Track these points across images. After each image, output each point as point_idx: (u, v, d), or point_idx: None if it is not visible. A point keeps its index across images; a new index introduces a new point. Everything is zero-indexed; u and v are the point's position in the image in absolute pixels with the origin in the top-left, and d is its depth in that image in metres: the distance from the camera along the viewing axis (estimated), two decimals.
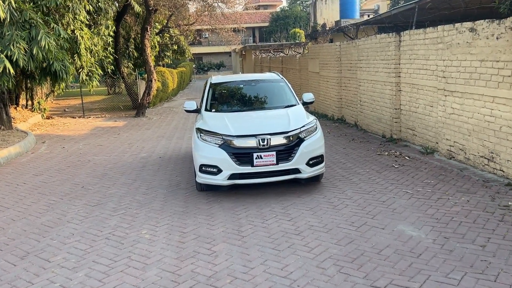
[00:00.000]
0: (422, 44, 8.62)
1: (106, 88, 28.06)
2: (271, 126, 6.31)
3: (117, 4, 16.98)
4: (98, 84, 15.29)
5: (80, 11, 11.95)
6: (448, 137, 7.87)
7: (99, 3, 13.55)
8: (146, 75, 18.00)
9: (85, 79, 12.82)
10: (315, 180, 6.71)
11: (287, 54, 24.71)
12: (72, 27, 12.16)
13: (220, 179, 6.12)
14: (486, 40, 6.67)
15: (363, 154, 8.77)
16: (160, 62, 30.55)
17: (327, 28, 22.82)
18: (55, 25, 10.92)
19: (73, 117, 17.61)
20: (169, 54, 31.26)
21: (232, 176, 6.09)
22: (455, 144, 7.68)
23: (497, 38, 6.42)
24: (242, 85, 7.90)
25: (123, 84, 21.26)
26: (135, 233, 5.20)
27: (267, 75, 8.32)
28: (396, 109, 9.80)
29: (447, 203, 5.59)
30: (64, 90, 14.34)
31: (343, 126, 12.47)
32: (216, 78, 8.28)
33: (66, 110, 20.68)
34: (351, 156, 8.67)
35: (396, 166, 7.64)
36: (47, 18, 10.91)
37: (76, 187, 7.40)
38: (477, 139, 7.06)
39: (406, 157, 8.25)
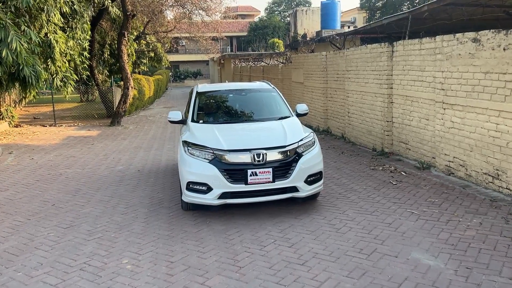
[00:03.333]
0: (417, 54, 8.27)
1: (79, 95, 27.02)
2: (267, 140, 5.75)
3: (92, 9, 16.19)
4: (73, 91, 14.43)
5: (55, 14, 11.15)
6: (447, 152, 7.50)
7: (75, 6, 12.77)
8: (121, 82, 17.19)
9: (60, 85, 11.96)
10: (311, 198, 6.17)
11: (268, 64, 24.32)
12: (45, 30, 11.34)
13: (210, 198, 5.51)
14: (491, 51, 6.33)
15: (356, 169, 8.32)
16: (136, 69, 29.70)
17: (308, 38, 22.58)
18: (26, 28, 10.09)
19: (44, 126, 16.63)
20: (145, 61, 30.44)
21: (224, 195, 5.48)
22: (455, 160, 7.30)
23: (504, 49, 6.08)
24: (231, 95, 7.32)
25: (97, 91, 20.36)
26: (115, 263, 4.52)
27: (257, 84, 7.76)
28: (388, 121, 9.42)
29: (459, 226, 5.15)
30: (35, 97, 13.39)
31: (329, 138, 12.04)
32: (203, 86, 7.68)
33: (36, 117, 19.63)
34: (344, 171, 8.20)
35: (394, 183, 7.20)
36: (18, 20, 10.07)
37: (46, 205, 6.64)
38: (480, 155, 6.69)
39: (402, 173, 7.84)
